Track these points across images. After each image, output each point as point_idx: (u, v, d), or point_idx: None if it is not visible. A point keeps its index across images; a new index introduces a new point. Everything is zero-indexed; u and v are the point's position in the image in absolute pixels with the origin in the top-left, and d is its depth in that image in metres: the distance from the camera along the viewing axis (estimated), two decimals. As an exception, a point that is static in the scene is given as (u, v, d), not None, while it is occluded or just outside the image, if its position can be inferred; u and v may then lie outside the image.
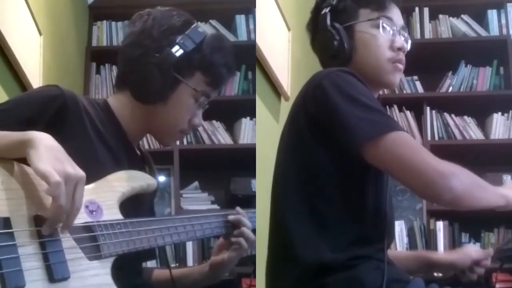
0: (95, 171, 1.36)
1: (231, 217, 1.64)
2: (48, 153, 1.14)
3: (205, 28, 1.73)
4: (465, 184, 1.34)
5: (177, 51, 1.48)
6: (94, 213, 1.29)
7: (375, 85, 1.60)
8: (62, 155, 1.16)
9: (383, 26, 1.57)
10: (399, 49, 1.58)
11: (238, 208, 1.67)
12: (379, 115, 1.40)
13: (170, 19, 1.52)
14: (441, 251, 3.73)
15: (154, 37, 1.49)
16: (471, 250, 1.79)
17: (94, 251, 1.24)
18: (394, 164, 1.37)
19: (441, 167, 1.33)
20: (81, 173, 1.16)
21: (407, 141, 1.38)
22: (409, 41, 1.63)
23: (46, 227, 1.14)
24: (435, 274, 2.38)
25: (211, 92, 1.57)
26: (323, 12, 1.61)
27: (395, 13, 1.61)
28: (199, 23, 1.58)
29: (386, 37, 1.57)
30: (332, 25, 1.58)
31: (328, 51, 1.58)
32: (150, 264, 1.83)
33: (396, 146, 1.36)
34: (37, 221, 1.15)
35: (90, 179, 1.33)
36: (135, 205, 1.44)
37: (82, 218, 1.25)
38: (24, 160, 1.16)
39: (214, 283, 1.71)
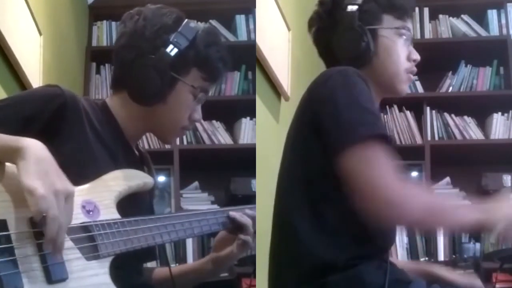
0: (93, 172, 1.37)
1: (248, 212, 1.64)
2: (37, 166, 1.12)
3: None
4: (416, 212, 1.32)
5: (172, 50, 1.47)
6: (91, 213, 1.29)
7: (385, 91, 1.62)
8: (51, 168, 1.15)
9: (405, 36, 1.59)
10: (414, 60, 1.61)
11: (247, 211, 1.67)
12: (369, 117, 1.40)
13: (161, 17, 1.52)
14: (441, 251, 3.72)
15: (147, 38, 1.49)
16: (476, 280, 1.70)
17: (92, 251, 1.24)
18: (350, 179, 1.35)
19: (392, 196, 1.31)
20: (70, 187, 1.15)
21: (372, 157, 1.35)
22: None
23: (46, 244, 1.12)
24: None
25: (209, 87, 1.58)
26: (349, 9, 1.58)
27: (411, 25, 1.64)
28: (198, 23, 1.58)
29: (405, 47, 1.60)
30: (360, 25, 1.57)
31: (351, 51, 1.57)
32: (150, 263, 1.83)
33: (358, 161, 1.34)
34: (33, 222, 1.14)
35: (88, 179, 1.34)
36: (133, 205, 1.44)
37: (79, 218, 1.25)
38: None
39: (214, 283, 1.71)
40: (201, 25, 1.57)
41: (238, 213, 1.62)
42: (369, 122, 1.40)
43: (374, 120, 1.41)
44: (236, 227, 1.62)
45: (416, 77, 4.03)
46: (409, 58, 1.60)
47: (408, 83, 1.62)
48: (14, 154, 1.14)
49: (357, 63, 1.55)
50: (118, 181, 1.41)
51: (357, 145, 1.35)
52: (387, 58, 1.58)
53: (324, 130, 1.40)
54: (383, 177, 1.33)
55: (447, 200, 1.36)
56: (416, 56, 1.61)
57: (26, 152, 1.14)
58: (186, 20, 1.53)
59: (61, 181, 1.14)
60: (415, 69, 1.62)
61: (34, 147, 1.16)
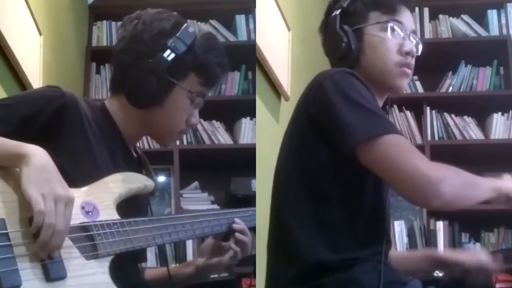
0: (92, 173, 1.38)
1: (236, 226, 1.63)
2: (39, 173, 1.16)
3: (205, 28, 1.73)
4: (455, 188, 1.33)
5: (169, 55, 1.47)
6: (90, 213, 1.30)
7: (382, 89, 1.58)
8: (53, 175, 1.19)
9: (392, 30, 1.55)
10: (408, 53, 1.56)
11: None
12: (375, 117, 1.39)
13: (160, 22, 1.51)
14: (441, 251, 3.72)
15: (145, 42, 1.49)
16: (481, 253, 1.76)
17: (91, 251, 1.25)
18: (384, 167, 1.36)
19: (430, 173, 1.31)
20: (70, 194, 1.18)
21: (400, 144, 1.36)
22: (420, 46, 1.61)
23: (35, 247, 1.14)
24: (435, 274, 2.36)
25: (206, 92, 1.57)
26: (333, 14, 1.60)
27: (406, 17, 1.59)
28: (198, 23, 1.57)
29: (395, 41, 1.55)
30: (341, 27, 1.57)
31: (336, 53, 1.58)
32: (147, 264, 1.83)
33: (387, 149, 1.35)
34: (32, 222, 1.15)
35: (87, 181, 1.35)
36: (133, 207, 1.45)
37: (78, 218, 1.26)
38: None
39: (214, 283, 1.71)
40: (202, 26, 1.57)
41: (240, 226, 1.63)
42: (381, 115, 1.41)
43: (383, 114, 1.43)
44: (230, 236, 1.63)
45: (416, 77, 4.04)
46: (400, 52, 1.55)
47: (403, 77, 1.57)
48: (18, 160, 1.18)
49: (345, 64, 1.54)
50: (119, 183, 1.41)
51: (381, 136, 1.35)
52: (374, 54, 1.55)
53: (335, 127, 1.39)
54: (418, 159, 1.34)
55: (471, 174, 1.39)
56: (408, 48, 1.56)
57: (30, 159, 1.17)
58: (185, 24, 1.53)
59: (63, 188, 1.18)
60: (409, 61, 1.57)
61: (37, 154, 1.20)
